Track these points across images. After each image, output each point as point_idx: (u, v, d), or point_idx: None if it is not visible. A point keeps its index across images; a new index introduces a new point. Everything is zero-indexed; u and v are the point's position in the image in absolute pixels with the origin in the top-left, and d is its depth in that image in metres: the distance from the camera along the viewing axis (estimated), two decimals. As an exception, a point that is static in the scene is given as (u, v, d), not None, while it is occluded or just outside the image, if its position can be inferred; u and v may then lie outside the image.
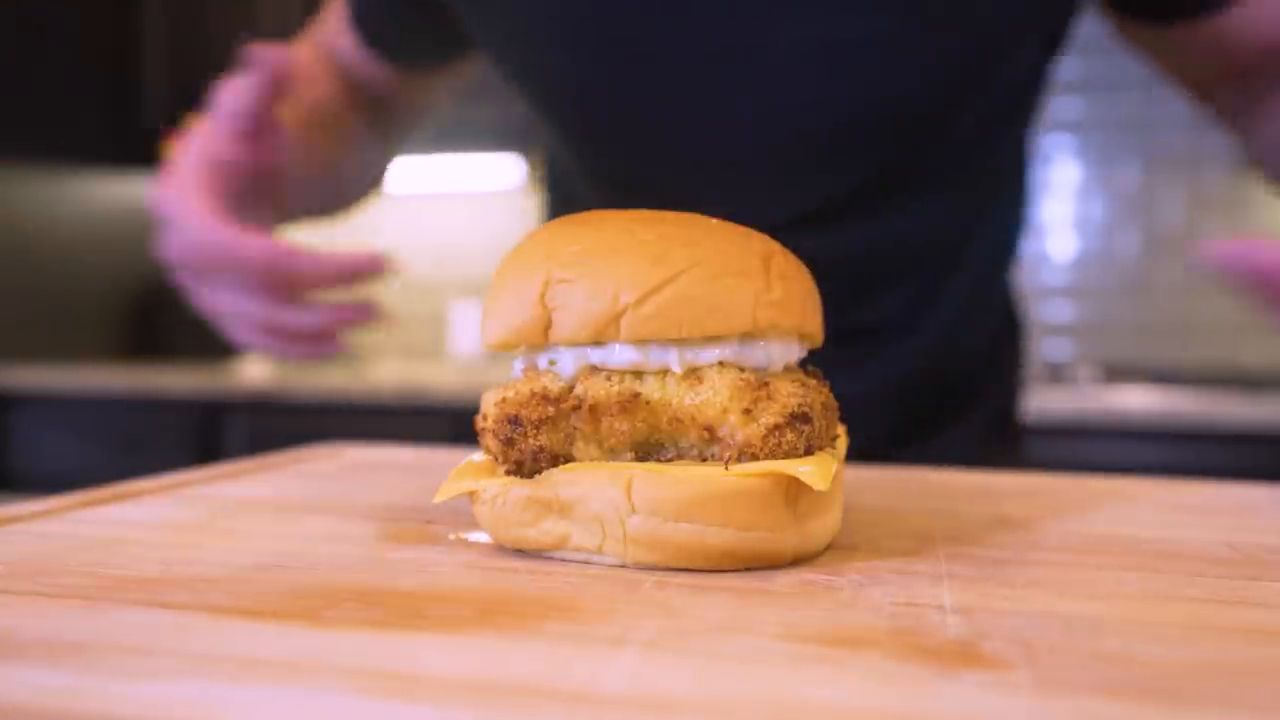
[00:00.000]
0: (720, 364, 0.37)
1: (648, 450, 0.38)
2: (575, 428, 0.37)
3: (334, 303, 0.63)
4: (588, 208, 0.45)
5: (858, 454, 0.63)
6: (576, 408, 0.37)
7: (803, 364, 0.43)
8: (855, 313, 0.74)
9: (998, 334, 0.85)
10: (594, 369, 0.38)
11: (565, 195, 0.86)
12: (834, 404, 0.41)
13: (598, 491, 0.36)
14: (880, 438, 0.75)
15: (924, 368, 0.78)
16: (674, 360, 0.37)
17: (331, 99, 0.84)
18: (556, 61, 0.71)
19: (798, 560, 0.37)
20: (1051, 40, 0.73)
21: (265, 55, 0.59)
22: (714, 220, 0.41)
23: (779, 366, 0.39)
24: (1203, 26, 0.70)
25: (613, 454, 0.37)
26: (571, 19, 0.68)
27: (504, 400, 0.38)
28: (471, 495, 0.39)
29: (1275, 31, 0.71)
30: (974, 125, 0.73)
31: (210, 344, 2.59)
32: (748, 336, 0.38)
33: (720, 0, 0.66)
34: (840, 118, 0.68)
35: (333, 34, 0.87)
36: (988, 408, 0.84)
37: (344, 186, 0.88)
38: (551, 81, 0.73)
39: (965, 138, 0.73)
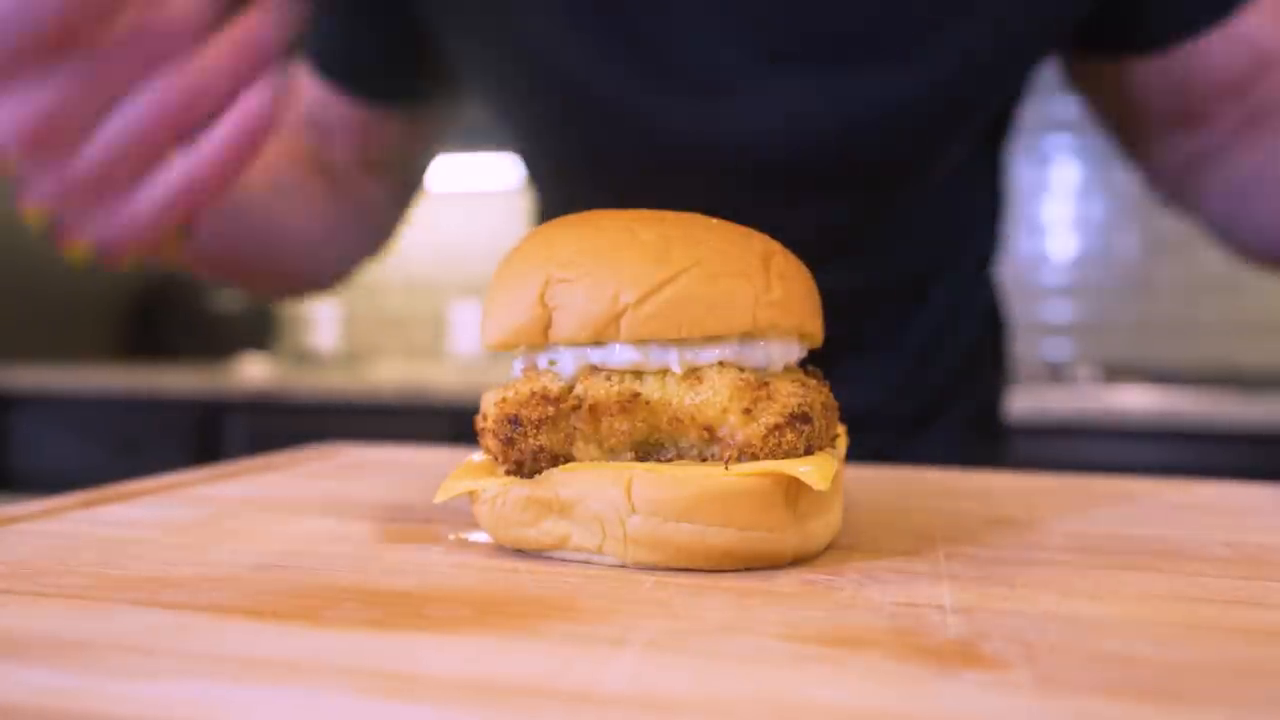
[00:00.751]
0: (720, 364, 0.37)
1: (648, 450, 0.38)
2: (575, 428, 0.37)
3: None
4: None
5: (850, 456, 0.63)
6: (576, 408, 0.37)
7: (802, 364, 0.43)
8: (836, 336, 0.74)
9: (980, 336, 0.85)
10: (594, 369, 0.38)
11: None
12: (834, 404, 0.41)
13: (598, 491, 0.36)
14: (867, 445, 0.74)
15: (902, 383, 0.79)
16: (674, 360, 0.37)
17: (284, 160, 0.73)
18: (548, 79, 0.69)
19: (798, 560, 0.37)
20: (1028, 76, 0.72)
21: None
22: (714, 220, 0.41)
23: (779, 366, 0.39)
24: (1164, 61, 0.68)
25: (613, 454, 0.37)
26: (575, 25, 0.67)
27: (504, 400, 0.38)
28: (471, 495, 0.39)
29: (1233, 68, 0.69)
30: (952, 159, 0.73)
31: (210, 344, 2.59)
32: (748, 336, 0.38)
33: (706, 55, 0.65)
34: (821, 148, 0.67)
35: (296, 99, 0.78)
36: (969, 407, 0.84)
37: (311, 253, 0.78)
38: (541, 104, 0.71)
39: (944, 169, 0.73)
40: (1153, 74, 0.69)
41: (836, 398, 0.40)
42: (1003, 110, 0.77)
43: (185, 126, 0.44)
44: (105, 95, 0.42)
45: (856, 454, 0.65)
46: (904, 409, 0.79)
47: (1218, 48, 0.67)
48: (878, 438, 0.76)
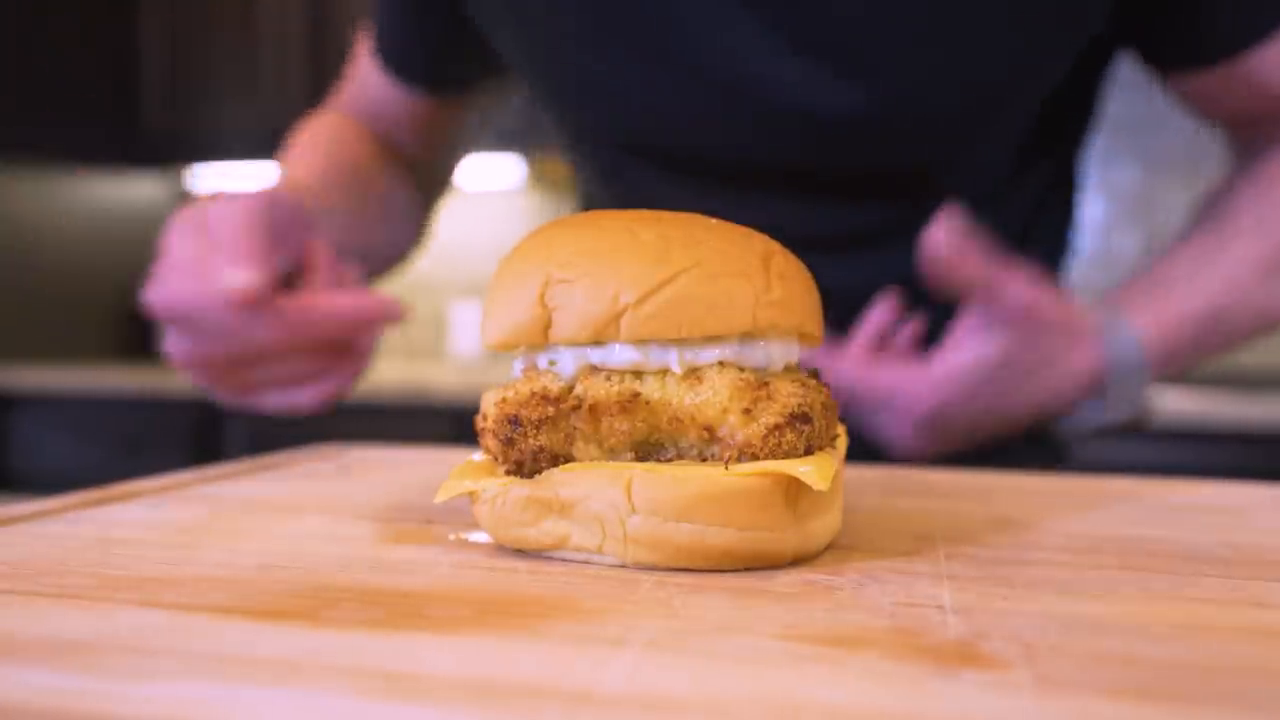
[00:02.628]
0: (720, 364, 0.37)
1: (648, 450, 0.38)
2: (575, 428, 0.37)
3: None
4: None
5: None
6: (576, 408, 0.37)
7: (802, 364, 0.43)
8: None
9: None
10: (594, 369, 0.38)
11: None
12: (834, 404, 0.41)
13: (598, 491, 0.36)
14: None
15: None
16: (674, 360, 0.37)
17: (361, 159, 0.82)
18: (579, 64, 0.71)
19: (798, 560, 0.37)
20: (1077, 69, 0.72)
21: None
22: (714, 220, 0.41)
23: (779, 366, 0.39)
24: (1238, 68, 0.69)
25: (613, 454, 0.37)
26: (601, 20, 0.68)
27: (504, 400, 0.38)
28: (471, 495, 0.39)
29: None
30: (993, 152, 0.73)
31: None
32: (748, 336, 0.38)
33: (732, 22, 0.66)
34: (854, 134, 0.68)
35: (358, 83, 0.86)
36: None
37: (383, 248, 0.86)
38: (574, 85, 0.73)
39: (984, 165, 0.73)
40: (1240, 78, 0.70)
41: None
42: (1051, 122, 0.76)
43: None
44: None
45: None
46: None
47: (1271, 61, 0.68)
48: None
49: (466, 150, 0.95)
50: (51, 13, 2.41)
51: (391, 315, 0.60)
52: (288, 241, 0.60)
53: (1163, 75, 0.74)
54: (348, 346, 0.61)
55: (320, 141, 0.82)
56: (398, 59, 0.82)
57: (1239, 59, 0.68)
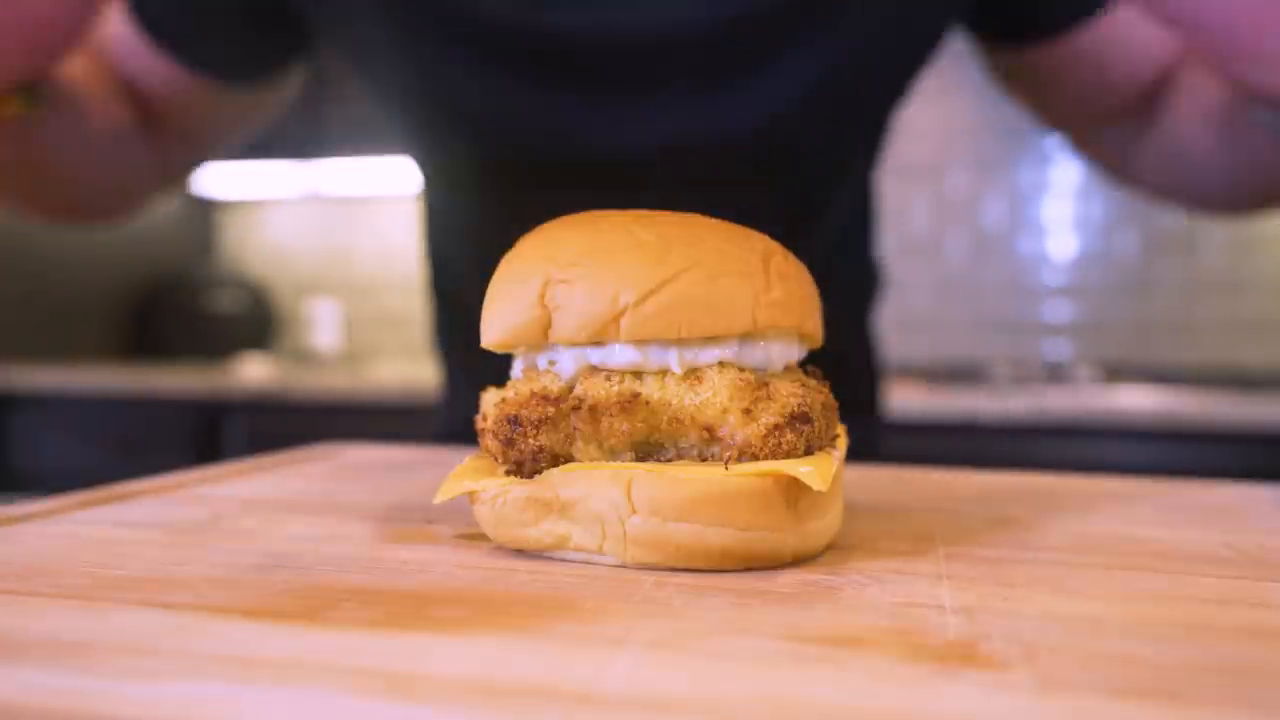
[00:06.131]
0: (720, 364, 0.37)
1: (648, 450, 0.38)
2: (575, 428, 0.37)
3: None
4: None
5: None
6: (576, 408, 0.37)
7: (802, 364, 0.43)
8: None
9: (855, 383, 0.86)
10: (594, 369, 0.38)
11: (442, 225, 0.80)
12: (834, 404, 0.41)
13: (598, 492, 0.36)
14: None
15: None
16: (674, 360, 0.37)
17: (97, 74, 0.68)
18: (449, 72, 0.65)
19: (798, 560, 0.37)
20: (901, 88, 0.71)
21: None
22: (713, 220, 0.41)
23: (779, 366, 0.39)
24: (1070, 49, 0.68)
25: (613, 454, 0.37)
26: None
27: (504, 400, 0.38)
28: (471, 495, 0.39)
29: (1158, 55, 0.68)
30: (819, 166, 0.72)
31: (210, 344, 2.59)
32: (747, 336, 0.38)
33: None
34: (699, 146, 0.66)
35: (110, 36, 0.71)
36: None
37: (98, 182, 0.72)
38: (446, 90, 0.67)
39: (812, 176, 0.72)
40: (1057, 63, 0.70)
41: None
42: (881, 113, 0.74)
43: None
44: None
45: None
46: None
47: (1104, 38, 0.67)
48: None
49: (241, 132, 0.80)
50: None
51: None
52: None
53: (998, 54, 0.73)
54: None
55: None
56: (170, 28, 0.69)
57: (1079, 29, 0.67)
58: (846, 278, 0.84)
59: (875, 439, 0.89)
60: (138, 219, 0.80)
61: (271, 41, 0.72)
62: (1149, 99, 0.71)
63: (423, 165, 0.77)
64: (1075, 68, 0.70)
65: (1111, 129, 0.75)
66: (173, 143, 0.76)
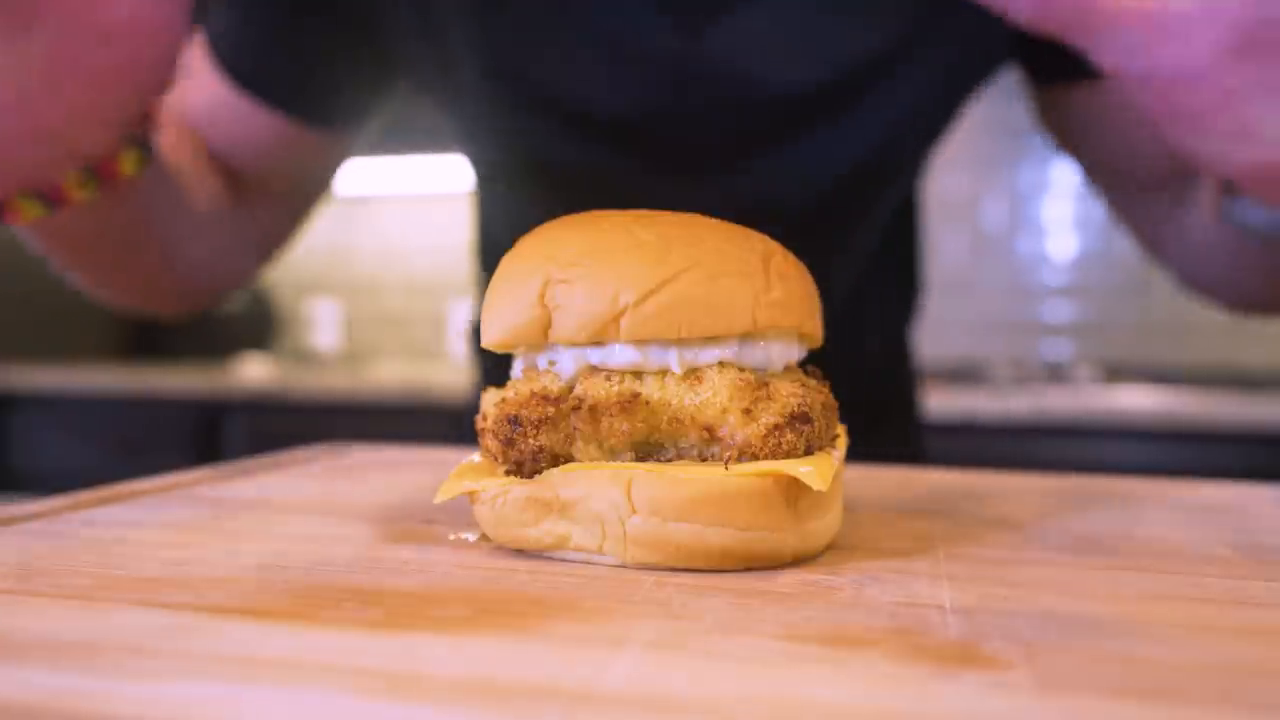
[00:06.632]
0: (720, 364, 0.37)
1: (648, 450, 0.38)
2: (575, 428, 0.37)
3: None
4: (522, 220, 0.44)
5: None
6: (576, 408, 0.37)
7: (802, 364, 0.43)
8: None
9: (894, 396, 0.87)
10: (594, 369, 0.38)
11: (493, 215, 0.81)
12: (834, 404, 0.41)
13: (598, 492, 0.36)
14: None
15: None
16: (674, 360, 0.37)
17: (184, 150, 0.65)
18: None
19: (798, 560, 0.37)
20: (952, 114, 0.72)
21: None
22: (713, 220, 0.41)
23: (779, 366, 0.39)
24: (1115, 94, 0.63)
25: (613, 454, 0.37)
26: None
27: (504, 400, 0.38)
28: (471, 495, 0.39)
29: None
30: (884, 195, 0.74)
31: (210, 344, 2.59)
32: (747, 336, 0.38)
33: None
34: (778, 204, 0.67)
35: (191, 99, 0.68)
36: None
37: (213, 253, 0.69)
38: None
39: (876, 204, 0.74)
40: (1099, 108, 0.67)
41: None
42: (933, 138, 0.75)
43: None
44: None
45: None
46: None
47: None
48: None
49: (325, 189, 0.78)
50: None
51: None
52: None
53: (1045, 91, 0.70)
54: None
55: None
56: (253, 72, 0.67)
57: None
58: (898, 286, 0.86)
59: (920, 440, 0.90)
60: (216, 302, 0.76)
61: (362, 79, 0.71)
62: (1179, 176, 0.66)
63: (478, 166, 0.78)
64: (1116, 117, 0.66)
65: (1145, 200, 0.71)
66: (265, 211, 0.74)
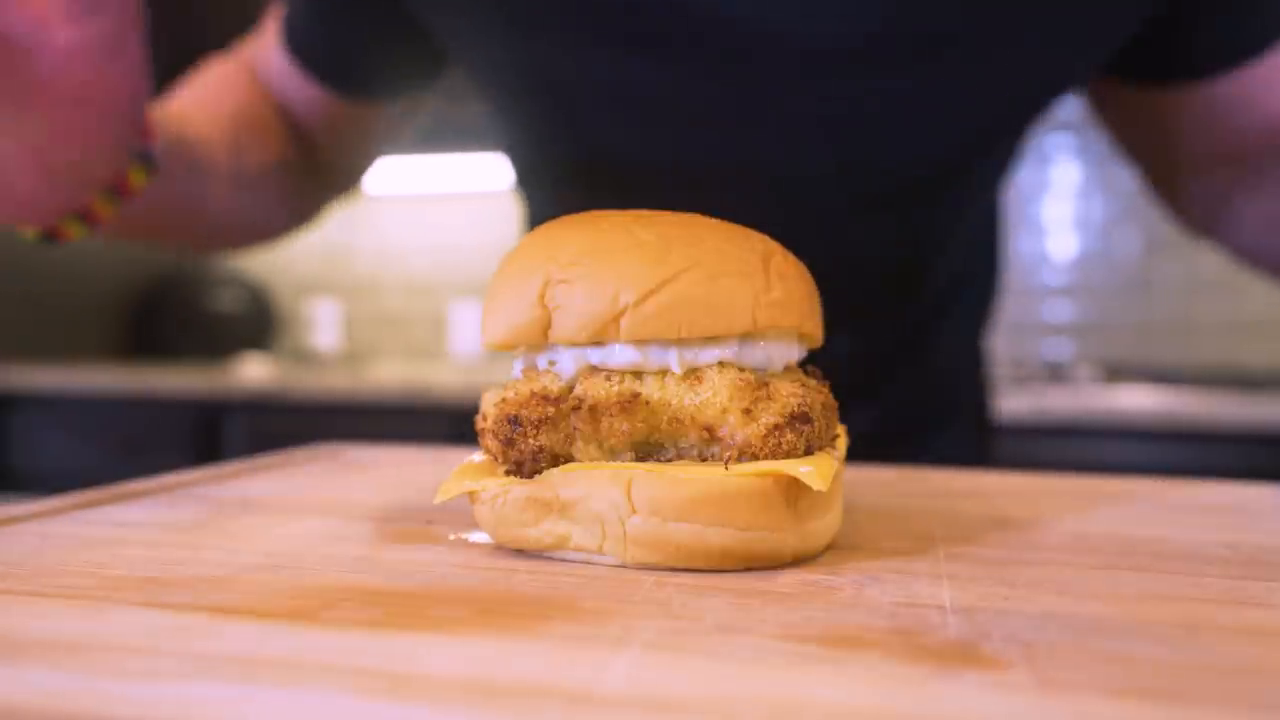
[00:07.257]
0: (720, 364, 0.37)
1: (648, 450, 0.38)
2: (575, 428, 0.37)
3: None
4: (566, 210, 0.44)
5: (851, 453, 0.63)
6: (576, 408, 0.37)
7: (802, 364, 0.43)
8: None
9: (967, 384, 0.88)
10: (594, 369, 0.38)
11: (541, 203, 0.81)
12: (834, 404, 0.41)
13: (598, 492, 0.36)
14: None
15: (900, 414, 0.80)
16: (674, 360, 0.37)
17: (254, 107, 0.74)
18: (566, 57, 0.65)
19: (798, 560, 0.37)
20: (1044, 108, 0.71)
21: None
22: (713, 220, 0.41)
23: (779, 366, 0.39)
24: (1208, 91, 0.65)
25: (613, 454, 0.37)
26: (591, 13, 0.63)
27: (504, 400, 0.38)
28: (471, 495, 0.39)
29: (1272, 103, 0.64)
30: (967, 193, 0.73)
31: (210, 344, 2.59)
32: (747, 336, 0.38)
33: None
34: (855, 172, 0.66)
35: (262, 56, 0.77)
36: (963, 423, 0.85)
37: (257, 212, 0.76)
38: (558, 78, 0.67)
39: (956, 202, 0.73)
40: (1191, 105, 0.67)
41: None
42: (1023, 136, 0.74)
43: None
44: None
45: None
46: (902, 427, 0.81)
47: (1258, 80, 0.64)
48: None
49: (380, 154, 0.86)
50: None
51: None
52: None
53: (1121, 91, 0.70)
54: None
55: (210, 82, 0.75)
56: (307, 49, 0.74)
57: (1237, 71, 0.64)
58: (979, 287, 0.86)
59: (990, 441, 0.92)
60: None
61: (409, 56, 0.75)
62: (1259, 154, 0.67)
63: (534, 168, 0.78)
64: (1208, 110, 0.66)
65: (1207, 179, 0.71)
66: (317, 173, 0.81)
